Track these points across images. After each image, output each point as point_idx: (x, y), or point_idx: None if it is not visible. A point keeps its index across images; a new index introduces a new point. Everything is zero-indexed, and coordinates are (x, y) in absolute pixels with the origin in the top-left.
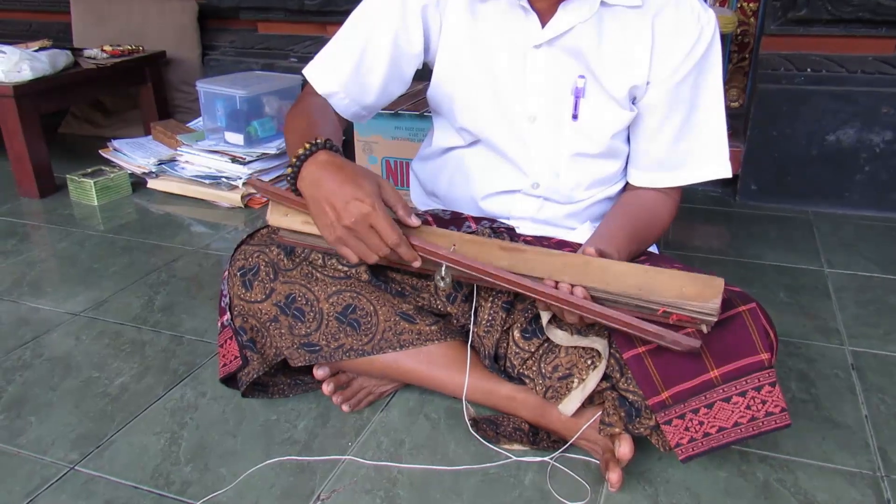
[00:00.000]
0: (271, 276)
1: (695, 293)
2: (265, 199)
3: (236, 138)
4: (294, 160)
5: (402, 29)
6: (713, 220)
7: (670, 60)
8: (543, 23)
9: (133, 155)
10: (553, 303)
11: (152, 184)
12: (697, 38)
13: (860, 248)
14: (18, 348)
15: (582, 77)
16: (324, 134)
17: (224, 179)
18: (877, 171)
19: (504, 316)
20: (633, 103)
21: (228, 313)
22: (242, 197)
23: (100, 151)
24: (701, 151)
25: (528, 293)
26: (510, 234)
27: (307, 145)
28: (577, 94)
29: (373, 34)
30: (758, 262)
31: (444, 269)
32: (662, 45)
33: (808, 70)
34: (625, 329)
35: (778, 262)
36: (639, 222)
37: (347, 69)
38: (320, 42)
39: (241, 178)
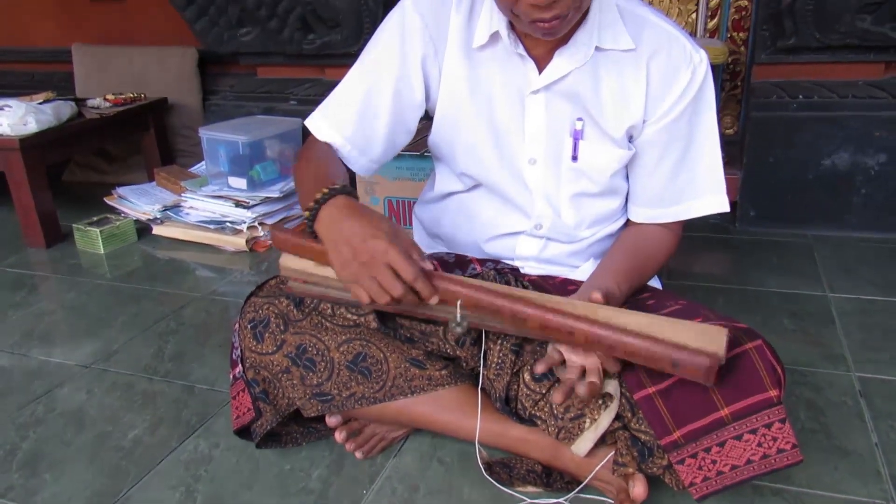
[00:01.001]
0: (281, 327)
1: (697, 347)
2: (270, 243)
3: (239, 183)
4: (313, 204)
5: (404, 79)
6: (713, 247)
7: (665, 101)
8: (540, 68)
9: (138, 202)
10: (575, 331)
11: (157, 230)
12: (690, 78)
13: (861, 271)
14: (31, 403)
15: (580, 119)
16: (337, 180)
17: (228, 224)
18: (873, 194)
19: (513, 358)
20: (630, 142)
21: (240, 365)
22: (247, 241)
23: (104, 199)
24: (698, 186)
25: (550, 323)
26: (514, 274)
27: (325, 190)
28: (576, 137)
29: (375, 86)
30: (760, 290)
31: (458, 314)
32: (657, 87)
33: (800, 97)
34: (645, 354)
35: (780, 289)
36: (638, 257)
37: (351, 122)
38: (319, 84)
39: (245, 223)
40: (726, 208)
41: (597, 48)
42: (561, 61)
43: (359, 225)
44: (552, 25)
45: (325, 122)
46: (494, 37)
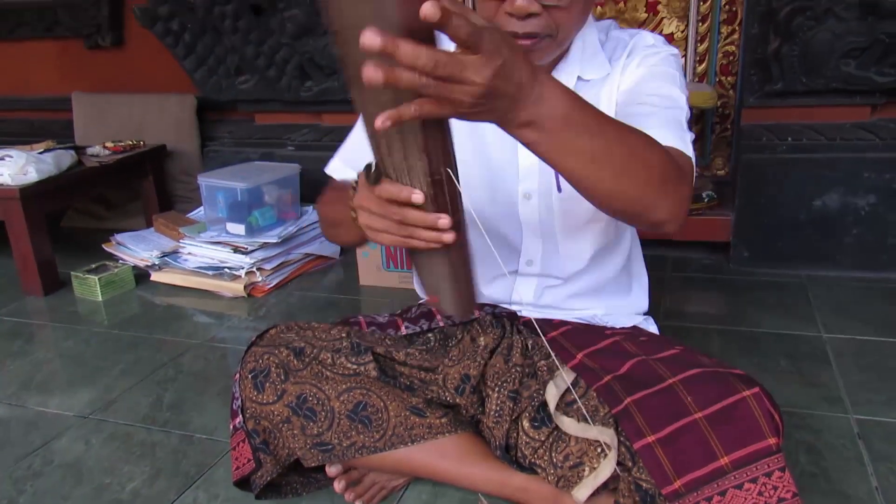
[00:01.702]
0: (282, 377)
1: None
2: (268, 288)
3: (238, 228)
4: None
5: None
6: (708, 287)
7: (632, 64)
8: None
9: (136, 248)
10: None
11: (156, 276)
12: (653, 44)
13: (855, 311)
14: (28, 456)
15: None
16: None
17: (227, 269)
18: (864, 234)
19: (511, 405)
20: None
21: (241, 416)
22: (245, 286)
23: (103, 246)
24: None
25: None
26: (511, 318)
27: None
28: None
29: None
30: (756, 331)
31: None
32: (626, 65)
33: (789, 139)
34: None
35: (776, 330)
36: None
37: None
38: (316, 130)
39: (243, 268)
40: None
41: (579, 78)
42: None
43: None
44: (524, 45)
45: (341, 164)
46: None
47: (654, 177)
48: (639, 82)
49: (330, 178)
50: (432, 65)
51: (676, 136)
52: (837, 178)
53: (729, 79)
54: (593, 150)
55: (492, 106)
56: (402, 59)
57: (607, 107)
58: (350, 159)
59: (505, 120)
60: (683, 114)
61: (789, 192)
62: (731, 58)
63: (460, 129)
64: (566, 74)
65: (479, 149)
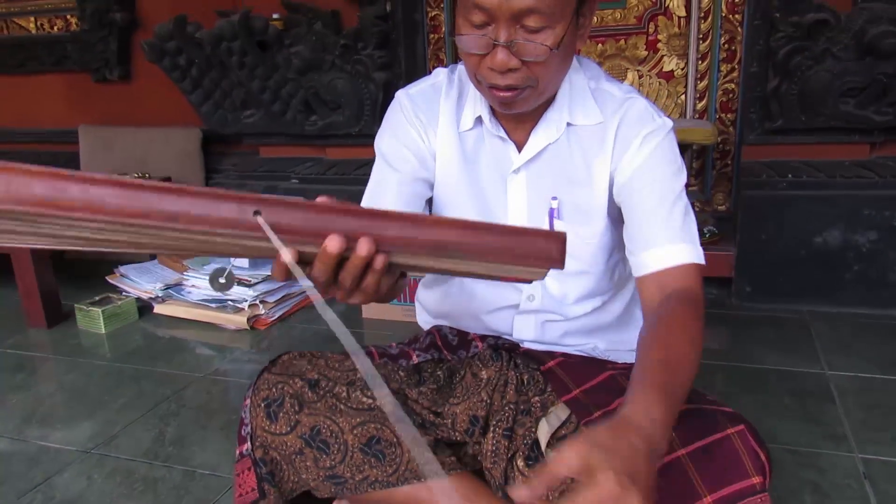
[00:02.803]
0: (296, 408)
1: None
2: (270, 320)
3: (241, 261)
4: None
5: (407, 169)
6: (710, 322)
7: (630, 149)
8: (520, 149)
9: (139, 280)
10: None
11: (159, 308)
12: (653, 128)
13: (858, 347)
14: (30, 492)
15: (555, 199)
16: None
17: (230, 302)
18: (865, 270)
19: (506, 444)
20: (608, 212)
21: (249, 443)
22: (248, 319)
23: (106, 278)
24: (682, 235)
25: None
26: (513, 350)
27: None
28: (552, 216)
29: (385, 181)
30: (759, 367)
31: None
32: (621, 143)
33: (790, 176)
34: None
35: (779, 367)
36: (668, 370)
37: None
38: (320, 164)
39: (246, 301)
40: (702, 259)
41: (569, 124)
42: (536, 139)
43: None
44: (505, 96)
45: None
46: (478, 121)
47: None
48: (642, 172)
49: None
50: None
51: (688, 243)
52: (838, 215)
53: (729, 115)
54: (683, 394)
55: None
56: None
57: (603, 158)
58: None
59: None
60: (685, 202)
61: (790, 228)
62: (730, 95)
63: (456, 174)
64: (555, 122)
65: (475, 192)
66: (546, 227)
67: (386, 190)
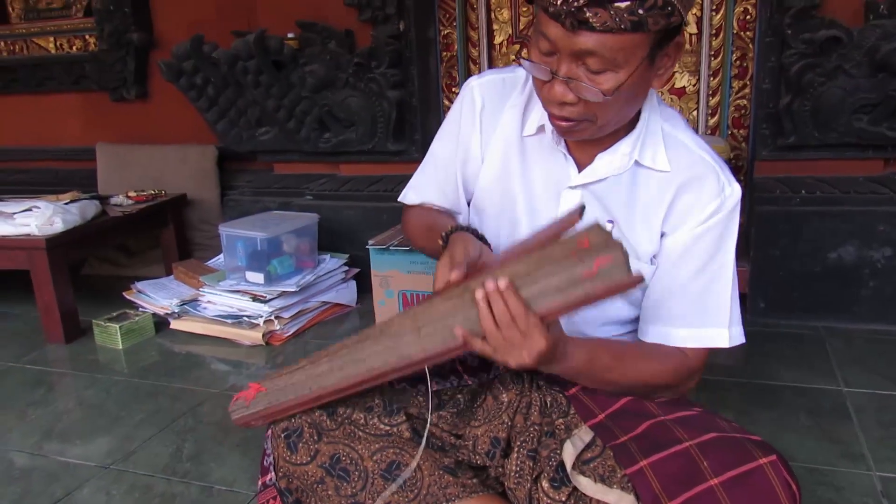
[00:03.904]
0: (315, 437)
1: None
2: (286, 336)
3: (257, 277)
4: (444, 234)
5: (464, 153)
6: None
7: (686, 223)
8: (580, 168)
9: (156, 296)
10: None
11: (175, 324)
12: (718, 206)
13: (874, 364)
14: None
15: (611, 221)
16: (446, 225)
17: (245, 318)
18: (881, 286)
19: (531, 464)
20: (653, 260)
21: (272, 473)
22: (264, 335)
23: (123, 294)
24: (707, 316)
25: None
26: (532, 372)
27: (452, 226)
28: None
29: (444, 160)
30: (775, 384)
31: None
32: (680, 213)
33: (803, 192)
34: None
35: (795, 383)
36: (630, 348)
37: (434, 192)
38: (334, 180)
39: (262, 317)
40: (724, 343)
41: (636, 162)
42: (601, 165)
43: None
44: (561, 125)
45: (413, 194)
46: (541, 129)
47: (657, 389)
48: (690, 252)
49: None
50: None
51: (703, 333)
52: (852, 231)
53: (741, 132)
54: (602, 383)
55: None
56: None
57: (657, 211)
58: (421, 191)
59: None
60: (730, 282)
61: (804, 244)
62: (742, 111)
63: (508, 176)
64: (624, 156)
65: (525, 197)
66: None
67: (449, 173)
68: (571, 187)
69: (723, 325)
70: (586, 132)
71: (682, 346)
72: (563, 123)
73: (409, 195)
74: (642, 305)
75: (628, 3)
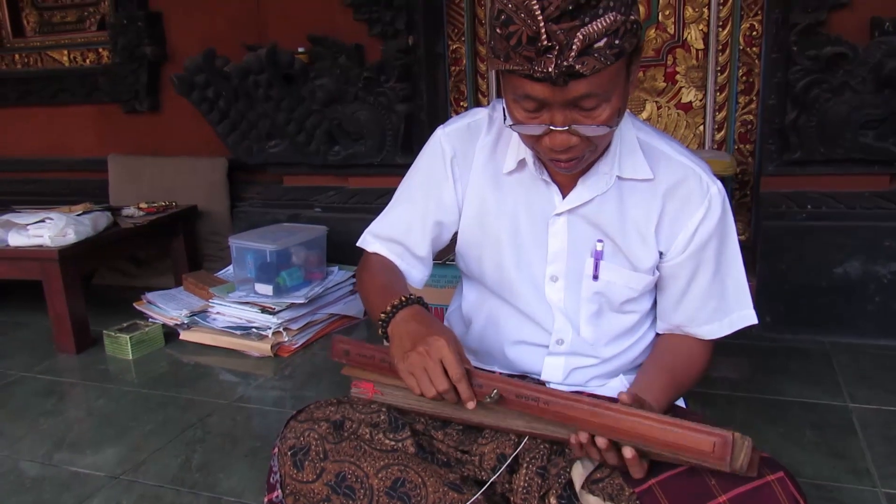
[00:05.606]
0: (321, 455)
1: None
2: (294, 348)
3: (266, 289)
4: (390, 308)
5: (436, 204)
6: (731, 353)
7: (680, 236)
8: (564, 193)
9: (166, 307)
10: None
11: (184, 335)
12: (705, 212)
13: (880, 379)
14: None
15: (601, 241)
16: (404, 291)
17: (254, 329)
18: (887, 301)
19: (539, 482)
20: (655, 270)
21: (279, 491)
22: (272, 346)
23: (133, 304)
24: (727, 307)
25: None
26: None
27: (403, 298)
28: (597, 257)
29: (413, 211)
30: (781, 399)
31: (494, 392)
32: (670, 221)
33: (809, 207)
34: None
35: (801, 398)
36: (676, 371)
37: (397, 242)
38: (342, 193)
39: (270, 328)
40: (753, 320)
41: (618, 177)
42: (584, 189)
43: (425, 326)
44: (569, 165)
45: (373, 239)
46: (521, 163)
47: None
48: (692, 259)
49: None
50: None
51: (730, 319)
52: (858, 246)
53: (747, 146)
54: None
55: None
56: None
57: (649, 221)
58: (385, 240)
59: None
60: (742, 265)
61: (810, 258)
62: (749, 126)
63: (492, 214)
64: (605, 175)
65: (511, 231)
66: (588, 268)
67: (417, 224)
68: (557, 214)
69: (747, 305)
70: (589, 160)
71: (710, 338)
72: (570, 163)
73: (369, 240)
74: (660, 310)
75: (606, 38)
